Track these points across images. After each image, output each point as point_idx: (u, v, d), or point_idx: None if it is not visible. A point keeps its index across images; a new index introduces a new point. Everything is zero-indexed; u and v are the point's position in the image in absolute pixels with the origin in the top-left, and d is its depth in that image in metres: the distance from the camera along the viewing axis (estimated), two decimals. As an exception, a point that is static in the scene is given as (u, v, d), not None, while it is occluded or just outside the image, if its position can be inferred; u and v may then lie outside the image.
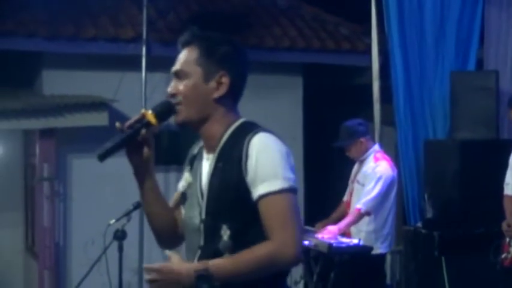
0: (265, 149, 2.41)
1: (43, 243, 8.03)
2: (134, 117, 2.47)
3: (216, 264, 2.34)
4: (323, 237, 5.57)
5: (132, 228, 5.59)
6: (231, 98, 2.54)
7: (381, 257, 5.92)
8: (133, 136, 2.46)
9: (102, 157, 2.40)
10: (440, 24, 7.13)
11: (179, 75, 2.52)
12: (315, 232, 5.77)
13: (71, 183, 8.33)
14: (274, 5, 9.79)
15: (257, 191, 2.39)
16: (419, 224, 6.62)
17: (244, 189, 2.41)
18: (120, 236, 5.35)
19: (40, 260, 8.05)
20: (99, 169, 7.91)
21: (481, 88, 6.65)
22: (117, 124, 2.46)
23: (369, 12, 7.31)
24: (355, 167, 6.08)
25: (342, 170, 6.47)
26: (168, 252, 2.41)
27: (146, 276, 2.36)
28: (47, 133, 7.99)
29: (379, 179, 5.75)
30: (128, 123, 2.46)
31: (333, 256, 5.45)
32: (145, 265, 2.39)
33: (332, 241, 5.47)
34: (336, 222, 5.84)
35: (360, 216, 5.73)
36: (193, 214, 2.53)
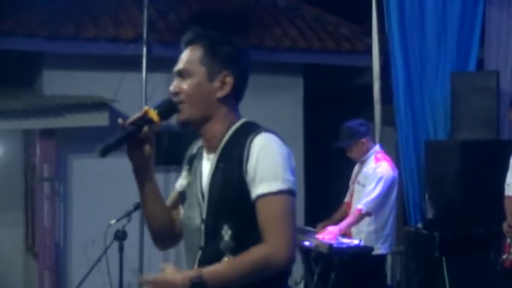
0: (266, 149, 2.41)
1: (43, 243, 8.03)
2: (136, 114, 2.46)
3: (210, 271, 2.33)
4: (323, 238, 5.57)
5: (132, 229, 5.59)
6: (234, 98, 2.54)
7: (382, 257, 5.92)
8: (135, 133, 2.45)
9: (104, 153, 2.38)
10: (441, 24, 7.13)
11: (182, 74, 2.52)
12: (316, 233, 5.76)
13: (71, 183, 8.33)
14: (274, 5, 9.79)
15: (256, 191, 2.39)
16: (419, 225, 6.61)
17: (245, 189, 2.40)
18: (120, 236, 5.35)
19: (40, 260, 8.05)
20: (100, 169, 8.03)
21: (481, 88, 6.64)
22: (119, 120, 2.45)
23: (369, 13, 7.30)
24: (356, 167, 6.08)
25: (342, 171, 6.47)
26: (161, 264, 2.40)
27: None
28: (47, 133, 7.98)
29: (379, 179, 5.74)
30: (130, 119, 2.45)
31: (334, 257, 5.45)
32: (139, 278, 2.38)
33: (332, 242, 5.47)
34: (337, 223, 5.84)
35: (361, 216, 5.73)
36: (194, 214, 2.52)
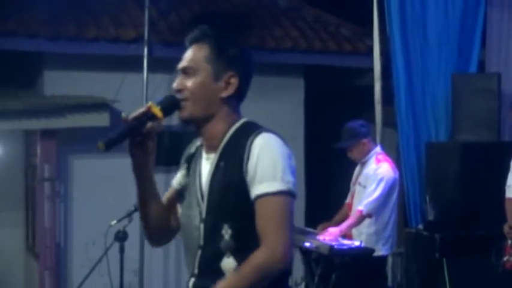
0: (267, 149, 2.41)
1: (44, 243, 8.03)
2: (140, 110, 2.45)
3: (222, 286, 2.35)
4: (324, 239, 5.56)
5: (133, 230, 5.59)
6: (236, 99, 2.55)
7: (382, 259, 5.91)
8: (138, 128, 2.43)
9: (108, 146, 2.35)
10: (442, 25, 7.13)
11: (187, 71, 2.51)
12: (316, 234, 5.76)
13: (72, 183, 8.33)
14: (275, 6, 9.78)
15: (255, 191, 2.39)
16: (420, 226, 6.62)
17: (245, 189, 2.40)
18: (121, 237, 5.36)
19: (41, 260, 8.04)
20: (101, 170, 8.04)
21: (482, 90, 6.65)
22: (123, 114, 2.44)
23: (370, 14, 7.29)
24: (357, 168, 6.07)
25: (343, 172, 6.46)
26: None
27: None
28: (48, 133, 7.98)
29: (380, 180, 5.74)
30: (133, 114, 2.44)
31: (334, 258, 5.44)
32: None
33: (333, 243, 5.46)
34: (338, 224, 5.83)
35: (361, 218, 5.72)
36: (193, 214, 2.52)
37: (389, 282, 7.04)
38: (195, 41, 2.54)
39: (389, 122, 7.41)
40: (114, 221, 5.34)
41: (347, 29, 9.47)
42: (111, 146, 2.36)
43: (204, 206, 2.49)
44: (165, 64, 6.50)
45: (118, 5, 8.77)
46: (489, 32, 7.22)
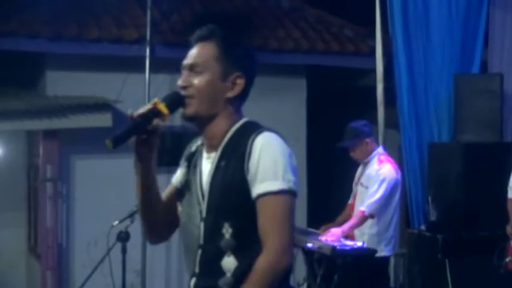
0: (268, 148, 2.41)
1: (46, 243, 8.03)
2: (146, 107, 2.43)
3: None
4: (326, 240, 5.56)
5: (135, 230, 5.57)
6: (240, 99, 2.55)
7: (385, 259, 5.91)
8: (144, 125, 2.43)
9: (115, 144, 2.35)
10: (445, 26, 7.13)
11: (194, 68, 2.50)
12: (319, 234, 5.75)
13: (74, 184, 8.33)
14: (278, 7, 9.78)
15: (256, 190, 2.39)
16: (423, 227, 6.61)
17: (246, 188, 2.40)
18: (123, 237, 5.35)
19: (43, 260, 8.05)
20: (103, 170, 8.04)
21: (485, 91, 6.64)
22: (129, 111, 2.43)
23: (373, 14, 7.29)
24: (359, 169, 6.07)
25: (345, 172, 6.46)
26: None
27: None
28: (50, 134, 7.99)
29: (382, 181, 5.73)
30: (139, 111, 2.42)
31: (337, 258, 5.44)
32: None
33: (335, 243, 5.45)
34: (340, 225, 5.82)
35: (364, 218, 5.71)
36: (193, 213, 2.52)
37: (392, 283, 7.03)
38: (203, 39, 2.53)
39: (392, 123, 7.41)
40: (116, 222, 5.33)
41: (349, 29, 9.47)
42: (118, 143, 2.36)
43: (204, 205, 2.49)
44: (167, 64, 6.49)
45: (120, 5, 8.77)
46: (492, 32, 7.22)
